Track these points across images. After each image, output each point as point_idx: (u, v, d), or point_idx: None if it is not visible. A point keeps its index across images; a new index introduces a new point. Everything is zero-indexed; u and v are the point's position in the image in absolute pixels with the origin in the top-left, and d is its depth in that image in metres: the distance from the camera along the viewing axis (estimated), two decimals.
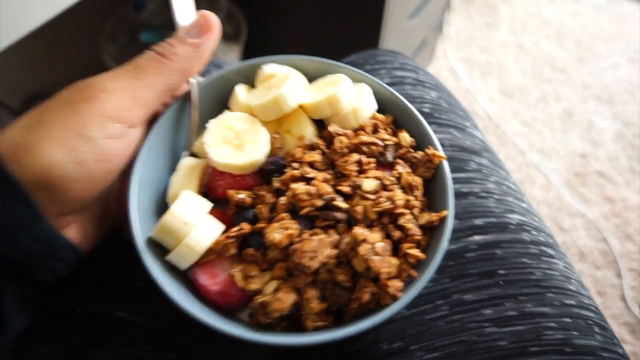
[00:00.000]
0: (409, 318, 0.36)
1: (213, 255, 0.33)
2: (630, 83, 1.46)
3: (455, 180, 0.43)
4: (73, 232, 0.32)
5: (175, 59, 0.33)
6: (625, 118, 1.38)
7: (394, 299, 0.30)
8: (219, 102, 0.39)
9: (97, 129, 0.29)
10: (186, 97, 0.37)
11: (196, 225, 0.32)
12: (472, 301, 0.36)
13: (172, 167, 0.37)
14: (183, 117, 0.38)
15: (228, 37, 1.17)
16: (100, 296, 0.36)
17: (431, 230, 0.33)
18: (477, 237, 0.39)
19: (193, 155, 0.38)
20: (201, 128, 0.38)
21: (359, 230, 0.31)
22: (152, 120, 0.36)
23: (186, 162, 0.36)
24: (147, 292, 0.37)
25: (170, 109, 0.36)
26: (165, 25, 1.16)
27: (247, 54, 1.19)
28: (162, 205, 0.36)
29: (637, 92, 1.44)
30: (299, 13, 1.08)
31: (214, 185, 0.36)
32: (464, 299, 0.36)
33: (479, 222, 0.40)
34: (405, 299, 0.30)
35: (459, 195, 0.42)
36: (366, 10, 0.95)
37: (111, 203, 0.36)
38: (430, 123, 0.47)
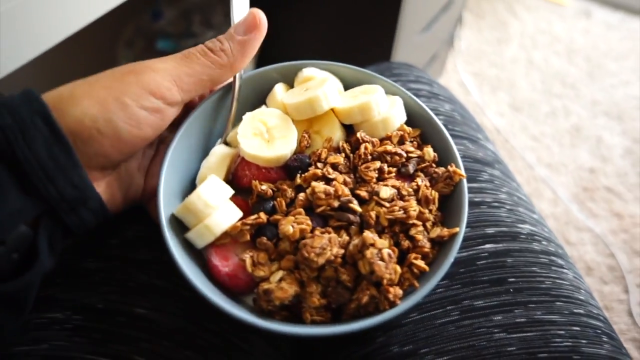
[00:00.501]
0: (420, 322, 0.37)
1: (228, 239, 0.35)
2: None
3: (468, 190, 0.44)
4: (101, 189, 0.34)
5: (221, 55, 0.35)
6: (635, 135, 1.38)
7: (392, 305, 0.31)
8: (258, 96, 0.41)
9: (135, 98, 0.32)
10: (228, 88, 0.40)
11: (217, 208, 0.34)
12: (482, 307, 0.37)
13: (204, 152, 0.39)
14: (221, 106, 0.40)
15: None
16: (120, 293, 0.37)
17: (440, 245, 0.34)
18: (488, 246, 0.40)
19: (226, 143, 0.40)
20: (238, 119, 0.39)
21: (369, 235, 0.32)
22: (188, 107, 0.38)
23: (219, 150, 0.38)
24: (165, 290, 0.38)
25: (211, 97, 0.39)
26: (182, 34, 1.19)
27: (261, 62, 1.22)
28: (189, 186, 0.38)
29: None
30: (312, 23, 1.10)
31: (240, 175, 0.38)
32: (474, 305, 0.37)
33: (490, 230, 0.41)
34: (403, 306, 0.31)
35: (471, 204, 0.43)
36: (380, 23, 0.97)
37: (138, 176, 0.38)
38: None
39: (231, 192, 0.36)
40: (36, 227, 0.31)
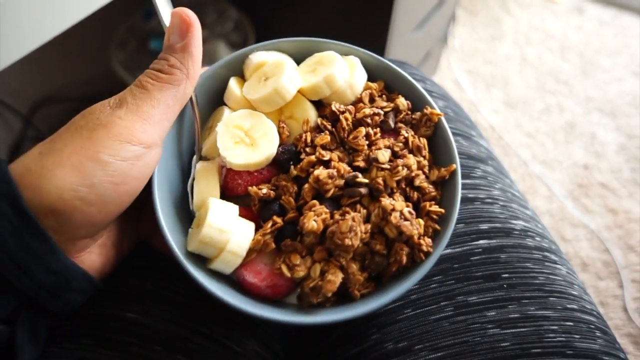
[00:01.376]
0: (414, 318, 0.37)
1: (254, 254, 0.34)
2: (633, 96, 1.48)
3: (462, 187, 0.44)
4: (93, 256, 0.32)
5: (173, 72, 0.33)
6: (629, 131, 1.39)
7: (427, 255, 0.33)
8: (214, 98, 0.39)
9: (112, 152, 0.29)
10: None
11: (232, 230, 0.33)
12: (476, 303, 0.37)
13: (182, 169, 0.38)
14: (182, 120, 0.38)
15: (236, 45, 1.19)
16: (111, 298, 0.37)
17: (441, 184, 0.36)
18: (482, 242, 0.40)
19: (203, 157, 0.38)
20: (201, 128, 0.38)
21: (386, 201, 0.33)
22: None
23: (202, 169, 0.37)
24: (156, 294, 0.38)
25: None
26: None
27: None
28: (182, 210, 0.37)
29: None
30: (305, 24, 1.10)
31: (232, 185, 0.36)
32: (468, 301, 0.37)
33: (484, 227, 0.41)
34: (437, 252, 0.33)
35: (465, 200, 0.43)
36: (373, 22, 0.96)
37: (133, 221, 0.36)
38: None
39: (236, 208, 0.34)
40: (14, 319, 0.28)
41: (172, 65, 0.33)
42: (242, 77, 0.40)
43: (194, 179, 0.37)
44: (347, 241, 0.32)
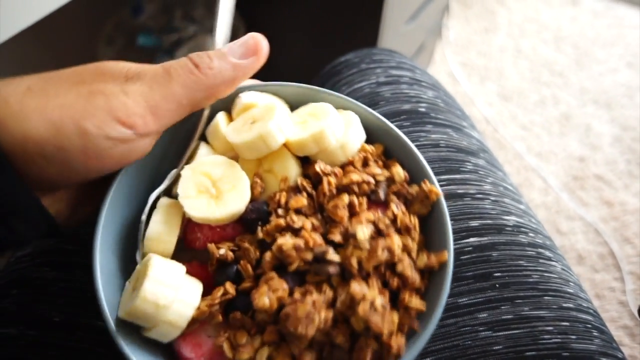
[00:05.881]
0: None
1: (197, 325, 0.29)
2: (628, 87, 1.46)
3: (451, 182, 0.42)
4: (46, 203, 0.28)
5: (208, 74, 0.29)
6: (624, 122, 1.38)
7: (397, 357, 0.28)
8: (191, 127, 0.35)
9: (99, 124, 0.26)
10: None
11: (172, 304, 0.28)
12: (466, 304, 0.36)
13: (152, 180, 0.34)
14: (167, 149, 0.34)
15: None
16: (80, 305, 0.35)
17: (429, 272, 0.31)
18: (472, 239, 0.39)
19: (169, 194, 0.34)
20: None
21: (356, 288, 0.28)
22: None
23: (166, 205, 0.32)
24: None
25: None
26: (163, 29, 1.16)
27: None
28: (131, 238, 0.33)
29: (635, 96, 1.44)
30: (296, 17, 1.08)
31: (191, 238, 0.32)
32: (458, 303, 0.36)
33: (474, 224, 0.40)
34: (410, 355, 0.28)
35: (454, 196, 0.41)
36: (364, 14, 0.95)
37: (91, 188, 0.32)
38: (426, 122, 0.47)
39: (183, 269, 0.30)
40: None
41: (211, 68, 0.29)
42: (227, 110, 0.36)
43: (153, 209, 0.32)
44: (301, 329, 0.27)
